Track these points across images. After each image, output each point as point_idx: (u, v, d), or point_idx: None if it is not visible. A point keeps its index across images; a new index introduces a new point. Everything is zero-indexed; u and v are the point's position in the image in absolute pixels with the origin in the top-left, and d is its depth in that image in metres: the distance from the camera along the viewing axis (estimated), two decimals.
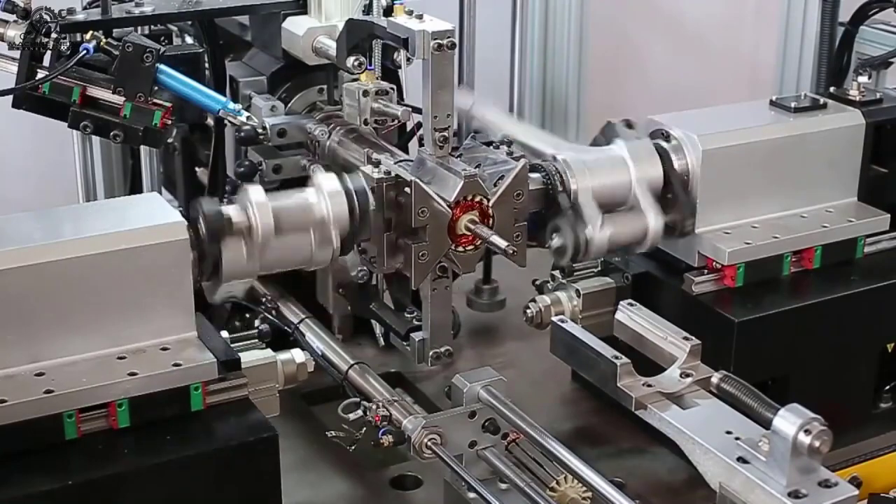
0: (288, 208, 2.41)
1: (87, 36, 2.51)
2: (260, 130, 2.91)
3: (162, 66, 2.55)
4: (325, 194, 2.44)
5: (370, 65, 2.80)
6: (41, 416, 2.09)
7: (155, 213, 2.30)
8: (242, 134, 2.89)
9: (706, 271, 2.76)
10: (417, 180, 2.46)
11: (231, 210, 2.37)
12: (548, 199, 2.66)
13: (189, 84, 2.59)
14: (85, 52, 2.49)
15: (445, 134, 2.55)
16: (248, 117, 2.62)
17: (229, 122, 2.64)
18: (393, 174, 2.51)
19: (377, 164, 2.56)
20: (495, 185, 2.54)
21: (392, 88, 2.86)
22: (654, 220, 2.69)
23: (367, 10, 2.83)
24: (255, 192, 2.38)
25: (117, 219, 2.27)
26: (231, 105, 2.59)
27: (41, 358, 2.17)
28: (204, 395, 2.22)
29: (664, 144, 2.77)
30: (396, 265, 2.56)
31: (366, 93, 2.83)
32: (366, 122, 2.82)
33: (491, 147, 2.77)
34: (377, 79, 2.86)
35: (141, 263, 2.20)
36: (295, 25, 2.99)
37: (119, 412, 2.15)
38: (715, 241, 2.75)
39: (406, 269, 2.54)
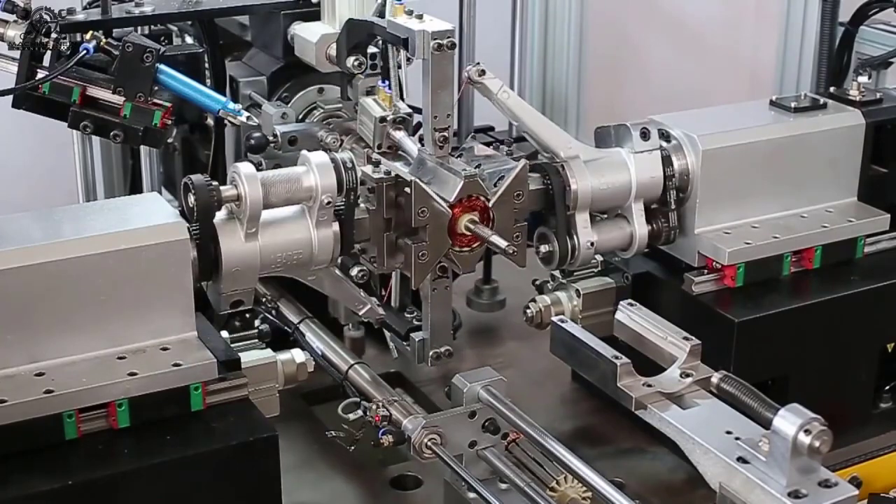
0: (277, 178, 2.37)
1: (87, 36, 2.52)
2: (271, 138, 2.91)
3: (162, 66, 2.55)
4: (313, 167, 2.38)
5: (384, 82, 2.71)
6: (41, 416, 2.09)
7: (155, 213, 2.30)
8: (252, 142, 2.88)
9: (706, 271, 2.76)
10: (417, 180, 2.46)
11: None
12: (547, 199, 2.66)
13: (189, 84, 2.60)
14: (85, 52, 2.49)
15: (445, 134, 2.55)
16: (248, 117, 2.62)
17: (229, 122, 2.65)
18: (393, 174, 2.51)
19: (377, 163, 2.56)
20: (495, 185, 2.54)
21: (410, 115, 2.71)
22: (640, 230, 2.72)
23: (381, 16, 2.81)
24: (244, 166, 2.35)
25: (117, 219, 2.27)
26: (231, 105, 2.60)
27: (41, 358, 2.17)
28: (204, 395, 2.22)
29: (664, 144, 2.77)
30: (396, 265, 2.56)
31: (383, 119, 2.68)
32: (379, 147, 2.69)
33: (491, 147, 2.77)
34: (395, 102, 2.69)
35: (141, 263, 2.20)
36: (308, 32, 2.97)
37: (119, 412, 2.15)
38: (715, 241, 2.75)
39: (406, 269, 2.54)
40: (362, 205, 2.51)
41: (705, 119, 2.91)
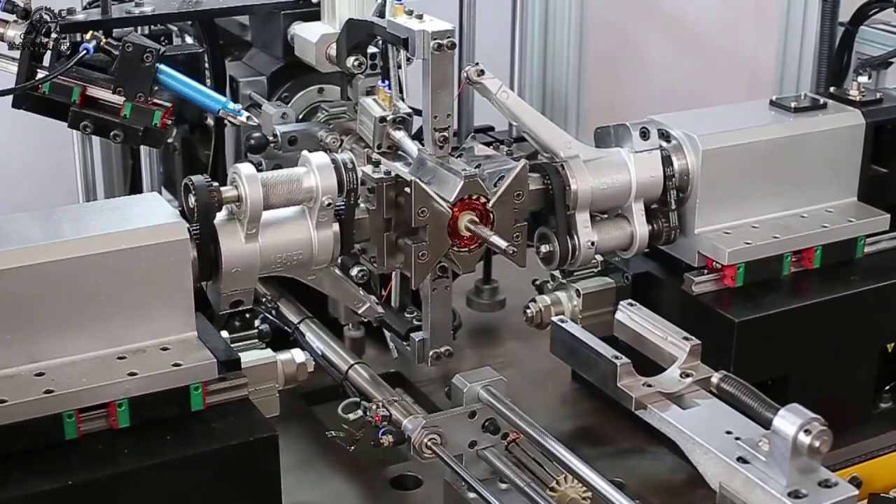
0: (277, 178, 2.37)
1: (87, 36, 2.52)
2: (271, 138, 2.90)
3: (162, 66, 2.55)
4: (314, 168, 2.38)
5: (384, 82, 2.72)
6: (41, 416, 2.09)
7: (155, 213, 2.30)
8: (252, 142, 2.88)
9: (706, 271, 2.76)
10: (417, 180, 2.46)
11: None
12: (547, 199, 2.66)
13: (189, 84, 2.59)
14: (85, 52, 2.49)
15: (445, 134, 2.54)
16: (248, 117, 2.62)
17: (229, 122, 2.64)
18: (393, 174, 2.51)
19: (377, 164, 2.56)
20: (495, 185, 2.54)
21: (410, 115, 2.72)
22: (640, 230, 2.72)
23: (381, 16, 2.80)
24: (244, 166, 2.35)
25: (117, 219, 2.27)
26: (231, 105, 2.60)
27: (41, 358, 2.17)
28: (204, 395, 2.22)
29: (664, 144, 2.77)
30: (396, 265, 2.56)
31: (383, 119, 2.68)
32: (379, 147, 2.71)
33: (490, 147, 2.77)
34: (394, 102, 2.69)
35: (141, 263, 2.20)
36: (308, 32, 2.96)
37: (119, 412, 2.15)
38: (715, 241, 2.75)
39: (406, 269, 2.54)
40: (362, 205, 2.51)
41: (705, 119, 2.91)
